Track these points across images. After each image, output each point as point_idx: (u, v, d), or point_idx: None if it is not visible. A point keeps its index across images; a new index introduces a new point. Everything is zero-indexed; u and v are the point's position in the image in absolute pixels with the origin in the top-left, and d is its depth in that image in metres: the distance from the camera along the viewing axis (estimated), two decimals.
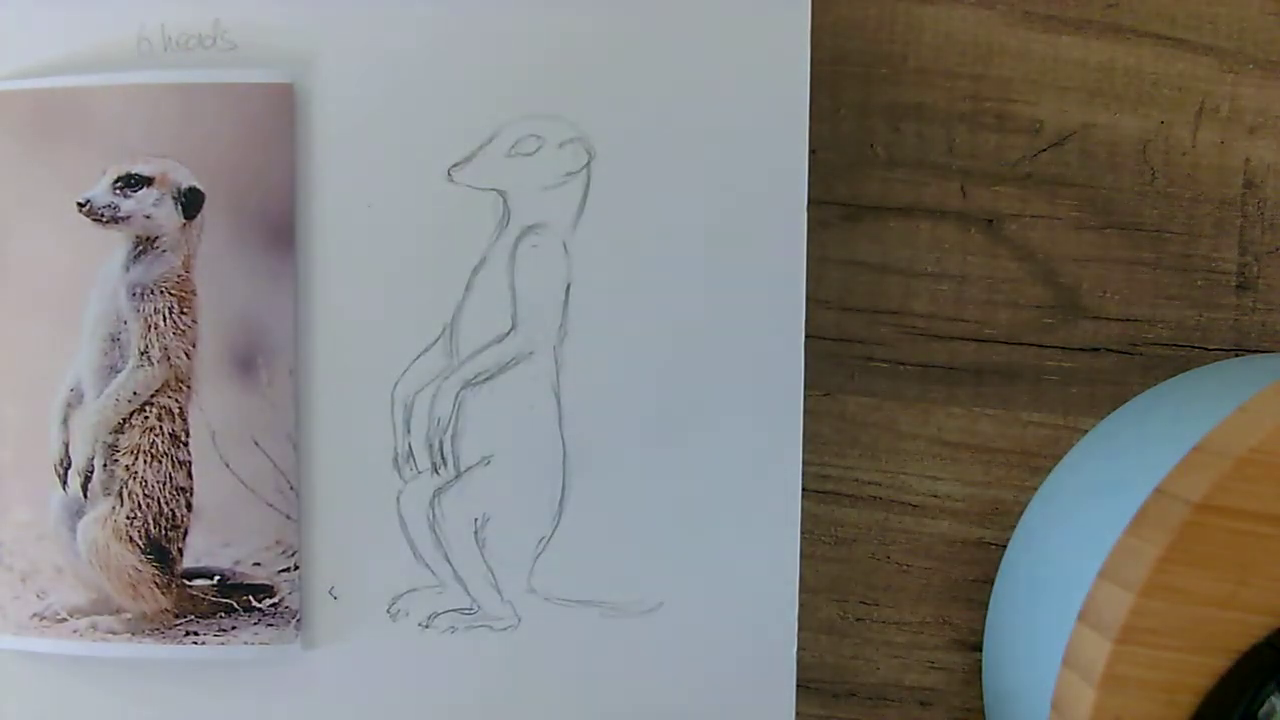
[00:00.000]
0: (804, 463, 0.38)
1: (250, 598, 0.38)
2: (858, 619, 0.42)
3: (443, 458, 0.38)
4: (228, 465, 0.38)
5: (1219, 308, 0.41)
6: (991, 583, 0.41)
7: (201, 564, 0.38)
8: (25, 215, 0.38)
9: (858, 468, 0.42)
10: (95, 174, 0.38)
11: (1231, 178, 0.41)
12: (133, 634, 0.38)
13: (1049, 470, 0.41)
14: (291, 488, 0.38)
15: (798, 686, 0.38)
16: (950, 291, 0.42)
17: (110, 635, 0.38)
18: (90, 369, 0.38)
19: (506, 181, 0.38)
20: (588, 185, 0.38)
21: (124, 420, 0.38)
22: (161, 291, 0.38)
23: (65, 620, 0.38)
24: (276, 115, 0.38)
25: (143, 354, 0.38)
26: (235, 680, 0.38)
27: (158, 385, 0.38)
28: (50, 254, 0.38)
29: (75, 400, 0.38)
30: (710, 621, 0.38)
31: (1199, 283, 0.41)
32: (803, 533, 0.38)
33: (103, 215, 0.38)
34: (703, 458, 0.38)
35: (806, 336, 0.38)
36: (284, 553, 0.38)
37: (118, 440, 0.38)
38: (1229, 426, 0.32)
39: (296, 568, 0.38)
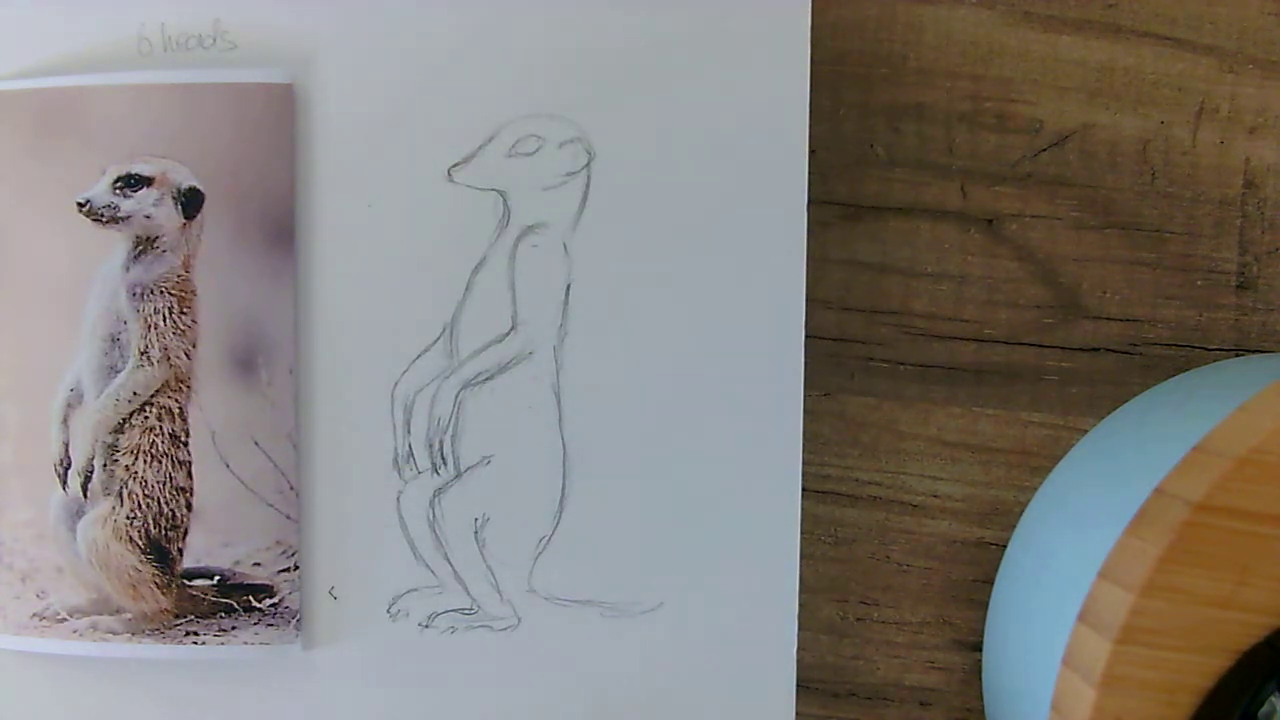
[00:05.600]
0: (804, 463, 0.38)
1: (250, 598, 0.38)
2: (858, 619, 0.42)
3: (443, 458, 0.38)
4: (228, 465, 0.38)
5: (1219, 308, 0.41)
6: (991, 583, 0.41)
7: (201, 564, 0.38)
8: (25, 215, 0.38)
9: (858, 468, 0.42)
10: (95, 174, 0.38)
11: (1231, 178, 0.41)
12: (133, 634, 0.38)
13: (1049, 470, 0.41)
14: (291, 488, 0.38)
15: (798, 686, 0.38)
16: (950, 291, 0.42)
17: (110, 635, 0.38)
18: (90, 369, 0.38)
19: (506, 181, 0.38)
20: (588, 185, 0.38)
21: (124, 420, 0.38)
22: (161, 291, 0.38)
23: (65, 620, 0.38)
24: (276, 115, 0.38)
25: (143, 354, 0.38)
26: (235, 680, 0.38)
27: (158, 385, 0.38)
28: (50, 254, 0.38)
29: (75, 400, 0.38)
30: (710, 621, 0.38)
31: (1199, 283, 0.41)
32: (803, 533, 0.38)
33: (103, 215, 0.38)
34: (703, 458, 0.38)
35: (806, 336, 0.38)
36: (284, 553, 0.38)
37: (118, 440, 0.38)
38: (1229, 426, 0.32)
39: (296, 568, 0.38)
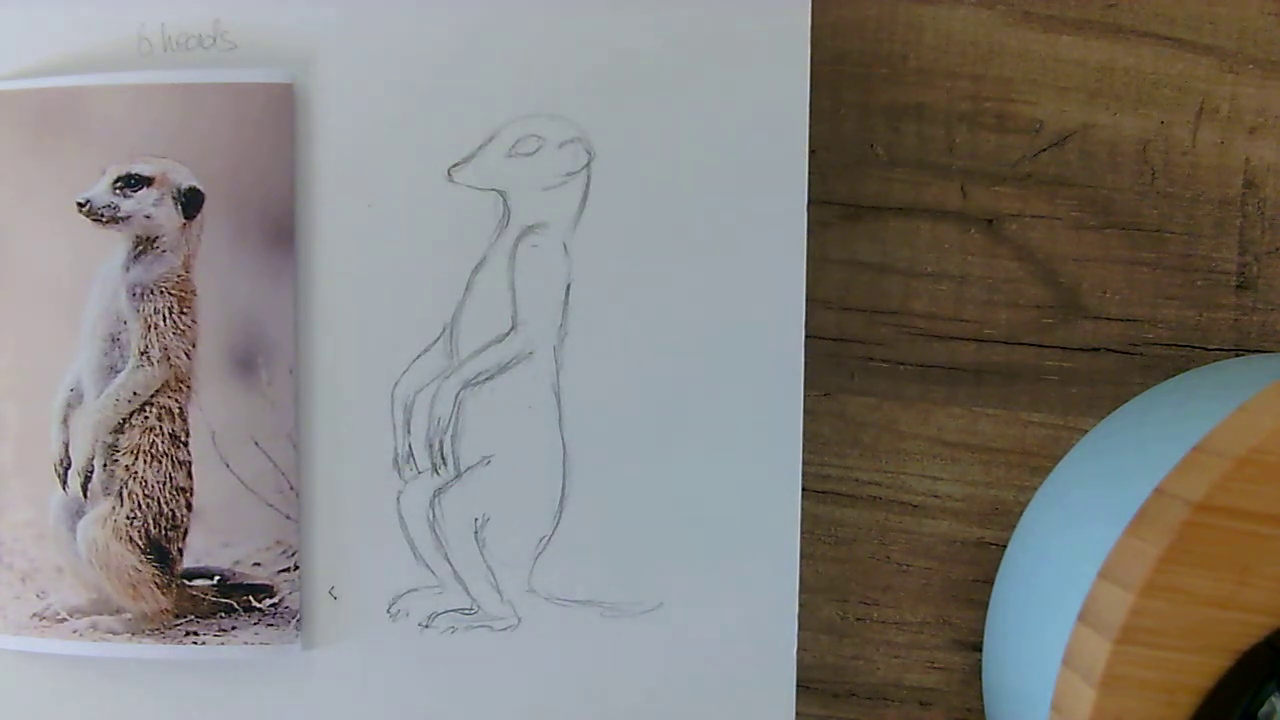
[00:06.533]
0: (804, 463, 0.38)
1: (250, 598, 0.38)
2: (858, 619, 0.42)
3: (443, 458, 0.38)
4: (228, 465, 0.38)
5: (1219, 308, 0.41)
6: (991, 583, 0.41)
7: (201, 564, 0.38)
8: (25, 215, 0.38)
9: (858, 468, 0.42)
10: (95, 174, 0.38)
11: (1231, 178, 0.41)
12: (133, 634, 0.38)
13: (1049, 470, 0.41)
14: (291, 488, 0.38)
15: (798, 686, 0.38)
16: (950, 291, 0.42)
17: (110, 635, 0.38)
18: (90, 369, 0.38)
19: (506, 181, 0.38)
20: (588, 185, 0.38)
21: (124, 420, 0.38)
22: (161, 291, 0.38)
23: (65, 620, 0.38)
24: (276, 115, 0.38)
25: (143, 354, 0.38)
26: (235, 680, 0.38)
27: (158, 385, 0.38)
28: (50, 254, 0.38)
29: (75, 400, 0.38)
30: (710, 621, 0.38)
31: (1199, 283, 0.41)
32: (803, 533, 0.38)
33: (103, 215, 0.38)
34: (703, 458, 0.38)
35: (806, 336, 0.38)
36: (284, 553, 0.38)
37: (118, 440, 0.38)
38: (1229, 426, 0.32)
39: (296, 568, 0.38)
